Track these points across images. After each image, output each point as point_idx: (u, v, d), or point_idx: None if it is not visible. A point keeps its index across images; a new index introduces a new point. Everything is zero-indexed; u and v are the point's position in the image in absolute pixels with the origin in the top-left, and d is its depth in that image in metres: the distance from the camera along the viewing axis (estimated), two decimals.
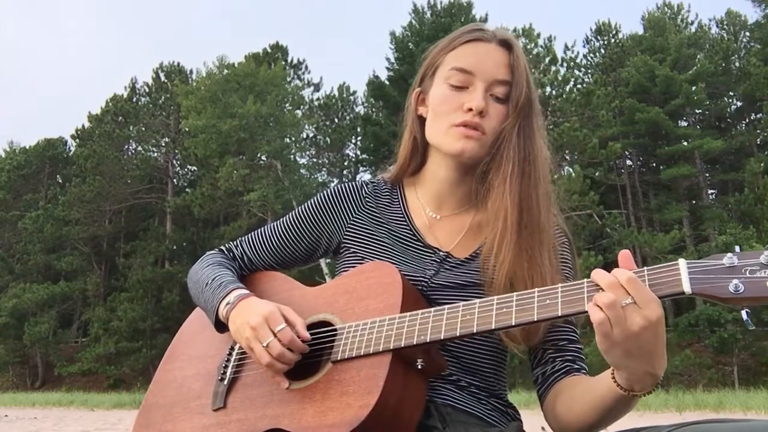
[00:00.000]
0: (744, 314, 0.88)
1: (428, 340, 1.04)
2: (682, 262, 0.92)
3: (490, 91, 1.23)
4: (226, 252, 1.44)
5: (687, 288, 0.89)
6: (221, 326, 1.25)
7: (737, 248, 0.90)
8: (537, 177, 1.22)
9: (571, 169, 25.25)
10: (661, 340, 0.93)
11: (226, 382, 1.22)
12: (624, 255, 0.96)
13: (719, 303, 0.89)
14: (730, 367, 24.05)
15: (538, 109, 1.28)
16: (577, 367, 1.20)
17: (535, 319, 0.98)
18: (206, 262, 1.39)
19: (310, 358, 1.15)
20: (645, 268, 0.94)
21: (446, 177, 1.30)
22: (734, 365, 23.84)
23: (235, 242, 1.46)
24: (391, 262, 1.22)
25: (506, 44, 1.26)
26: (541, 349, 1.22)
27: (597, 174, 28.55)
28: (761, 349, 24.17)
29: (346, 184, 1.40)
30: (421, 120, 1.33)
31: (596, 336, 0.92)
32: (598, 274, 0.94)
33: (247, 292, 1.24)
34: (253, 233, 1.45)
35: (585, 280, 0.97)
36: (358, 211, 1.36)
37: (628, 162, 33.77)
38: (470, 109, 1.21)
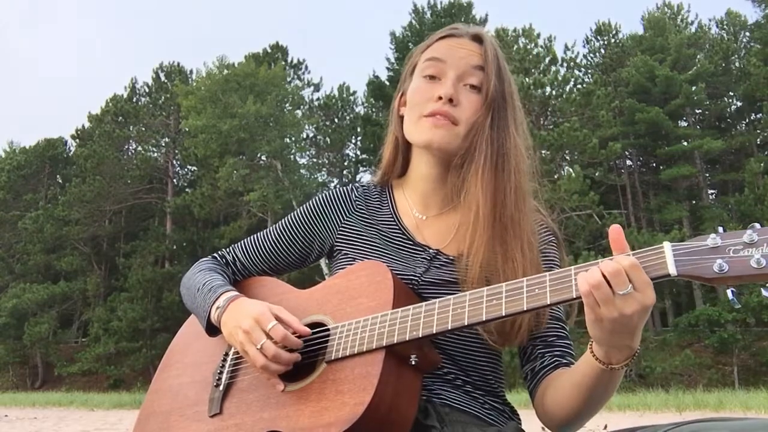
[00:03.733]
0: (729, 293, 0.88)
1: (420, 336, 1.05)
2: (666, 245, 0.92)
3: (464, 81, 1.25)
4: (218, 258, 1.45)
5: (672, 270, 0.90)
6: (213, 330, 1.26)
7: (720, 229, 0.91)
8: (510, 170, 1.22)
9: (571, 169, 25.22)
10: (645, 320, 0.94)
11: (221, 387, 1.23)
12: (615, 229, 0.94)
13: (704, 283, 0.90)
14: (730, 367, 24.05)
15: (518, 104, 1.28)
16: (565, 361, 1.21)
17: (525, 309, 0.98)
18: (198, 269, 1.40)
19: (305, 359, 1.15)
20: (630, 252, 0.94)
21: (429, 174, 1.30)
22: (734, 365, 23.85)
23: (227, 249, 1.47)
24: (382, 262, 1.22)
25: (477, 38, 1.29)
26: (530, 346, 1.23)
27: (597, 174, 28.54)
28: (761, 349, 24.17)
29: (336, 189, 1.41)
30: (403, 120, 1.33)
31: (585, 308, 0.94)
32: (604, 264, 0.93)
33: (236, 293, 1.25)
34: (246, 239, 1.47)
35: (572, 267, 0.98)
36: (349, 214, 1.37)
37: (628, 162, 33.78)
38: (440, 98, 1.22)
